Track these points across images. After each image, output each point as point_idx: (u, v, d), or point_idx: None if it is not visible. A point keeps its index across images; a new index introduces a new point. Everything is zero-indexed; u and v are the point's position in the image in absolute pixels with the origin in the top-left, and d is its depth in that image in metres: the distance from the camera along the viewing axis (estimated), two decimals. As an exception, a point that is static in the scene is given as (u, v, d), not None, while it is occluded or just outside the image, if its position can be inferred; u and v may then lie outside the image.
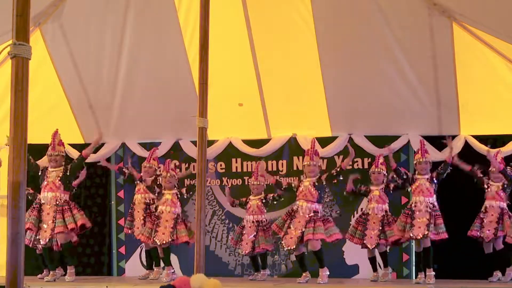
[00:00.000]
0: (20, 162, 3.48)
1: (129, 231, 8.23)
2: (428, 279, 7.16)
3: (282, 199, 7.91)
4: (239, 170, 8.91)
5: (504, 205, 7.41)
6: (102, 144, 9.05)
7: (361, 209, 8.06)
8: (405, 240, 7.63)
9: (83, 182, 8.53)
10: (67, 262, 7.66)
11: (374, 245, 7.53)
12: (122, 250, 9.05)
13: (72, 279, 7.50)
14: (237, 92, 8.48)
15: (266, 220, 7.85)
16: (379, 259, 7.77)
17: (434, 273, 7.19)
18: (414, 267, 8.17)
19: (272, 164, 8.80)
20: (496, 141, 8.16)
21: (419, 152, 7.43)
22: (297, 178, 8.09)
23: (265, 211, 7.81)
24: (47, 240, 7.42)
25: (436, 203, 7.26)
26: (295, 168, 8.69)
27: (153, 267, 8.15)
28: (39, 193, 7.61)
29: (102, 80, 8.48)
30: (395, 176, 7.54)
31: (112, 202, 9.13)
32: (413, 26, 7.47)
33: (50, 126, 7.81)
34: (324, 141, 8.48)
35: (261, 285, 7.29)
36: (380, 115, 8.28)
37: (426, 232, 7.08)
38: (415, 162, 7.48)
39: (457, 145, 8.16)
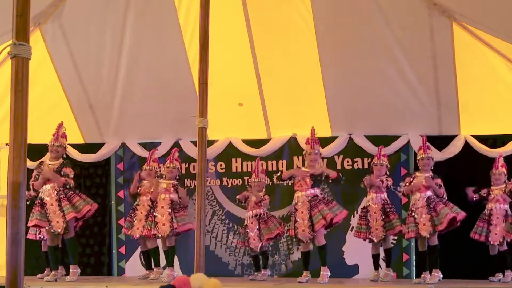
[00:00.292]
0: (20, 162, 3.48)
1: (128, 232, 8.20)
2: (432, 279, 7.14)
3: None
4: (239, 170, 8.91)
5: (507, 207, 7.42)
6: (102, 144, 9.07)
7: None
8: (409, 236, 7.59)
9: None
10: (71, 260, 7.65)
11: (380, 238, 7.52)
12: (122, 250, 9.05)
13: (75, 279, 7.49)
14: (237, 92, 8.48)
15: (265, 212, 7.80)
16: (381, 259, 7.78)
17: (441, 275, 7.19)
18: (414, 267, 8.18)
19: (272, 164, 8.80)
20: (496, 141, 8.16)
21: (421, 148, 7.46)
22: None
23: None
24: (63, 228, 7.40)
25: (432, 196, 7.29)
26: (295, 168, 8.68)
27: (153, 267, 8.14)
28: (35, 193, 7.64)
29: (102, 80, 8.48)
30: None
31: (112, 202, 9.13)
32: (413, 26, 7.47)
33: (50, 126, 7.82)
34: (324, 141, 8.47)
35: (261, 285, 7.29)
36: (380, 115, 8.29)
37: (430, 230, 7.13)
38: (417, 158, 7.52)
39: (457, 145, 8.18)
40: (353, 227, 8.13)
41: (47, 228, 7.50)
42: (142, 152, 8.95)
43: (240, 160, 8.91)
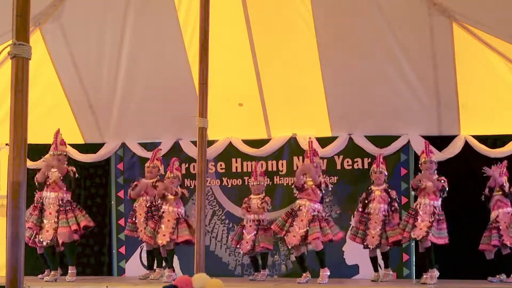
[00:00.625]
0: (20, 162, 3.48)
1: (135, 234, 8.22)
2: (429, 279, 7.15)
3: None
4: (239, 170, 8.91)
5: (510, 210, 7.43)
6: (102, 144, 9.06)
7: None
8: (405, 241, 7.66)
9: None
10: (68, 261, 7.68)
11: (375, 245, 7.54)
12: (122, 250, 9.04)
13: (73, 279, 7.51)
14: (237, 92, 8.47)
15: (266, 220, 7.88)
16: (380, 260, 7.78)
17: (437, 273, 7.21)
18: (414, 267, 8.18)
19: (272, 164, 8.80)
20: (496, 141, 8.16)
21: (424, 152, 7.46)
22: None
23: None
24: (49, 240, 7.44)
25: (440, 207, 7.31)
26: (295, 168, 8.66)
27: (155, 268, 8.15)
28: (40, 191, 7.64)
29: (102, 80, 8.47)
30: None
31: (112, 202, 9.12)
32: (413, 26, 7.47)
33: (50, 126, 7.82)
34: (324, 141, 8.47)
35: (261, 285, 7.30)
36: (380, 115, 8.28)
37: (425, 234, 7.12)
38: (420, 162, 7.53)
39: (457, 145, 8.18)
40: (353, 227, 8.12)
41: (38, 236, 7.51)
42: (142, 152, 8.95)
43: (240, 160, 8.90)
